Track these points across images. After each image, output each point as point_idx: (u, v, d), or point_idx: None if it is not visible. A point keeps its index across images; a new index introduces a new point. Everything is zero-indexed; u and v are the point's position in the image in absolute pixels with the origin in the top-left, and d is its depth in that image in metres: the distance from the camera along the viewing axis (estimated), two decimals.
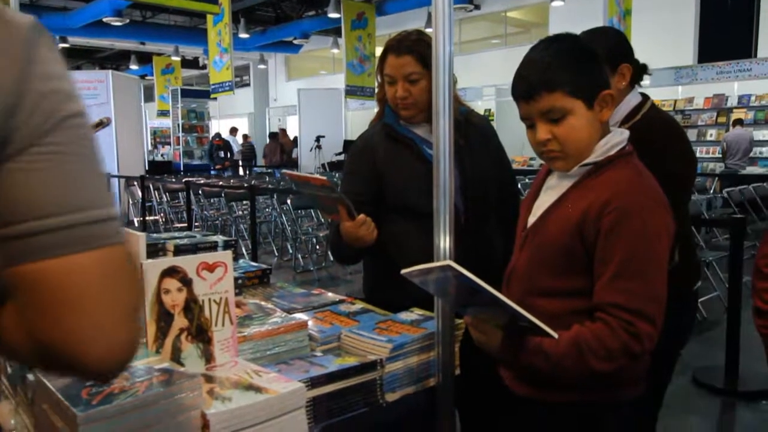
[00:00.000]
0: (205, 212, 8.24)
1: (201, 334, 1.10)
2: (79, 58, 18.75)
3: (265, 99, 20.28)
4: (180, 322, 1.07)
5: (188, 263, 1.08)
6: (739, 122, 9.69)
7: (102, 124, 10.36)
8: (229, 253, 1.15)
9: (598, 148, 1.17)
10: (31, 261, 0.50)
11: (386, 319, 1.37)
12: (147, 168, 12.58)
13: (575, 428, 1.21)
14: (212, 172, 12.91)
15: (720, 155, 9.87)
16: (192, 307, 1.09)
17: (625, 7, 7.39)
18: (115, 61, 19.05)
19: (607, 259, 1.09)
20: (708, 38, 10.68)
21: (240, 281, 1.53)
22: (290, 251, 6.78)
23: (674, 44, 10.53)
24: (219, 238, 1.85)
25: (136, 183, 10.04)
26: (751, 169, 9.23)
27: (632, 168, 1.17)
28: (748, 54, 10.16)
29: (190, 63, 18.31)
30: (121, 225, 0.56)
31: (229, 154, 14.02)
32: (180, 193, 8.77)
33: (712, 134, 10.86)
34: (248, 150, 15.81)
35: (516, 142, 7.74)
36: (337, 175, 8.80)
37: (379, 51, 1.80)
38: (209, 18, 10.33)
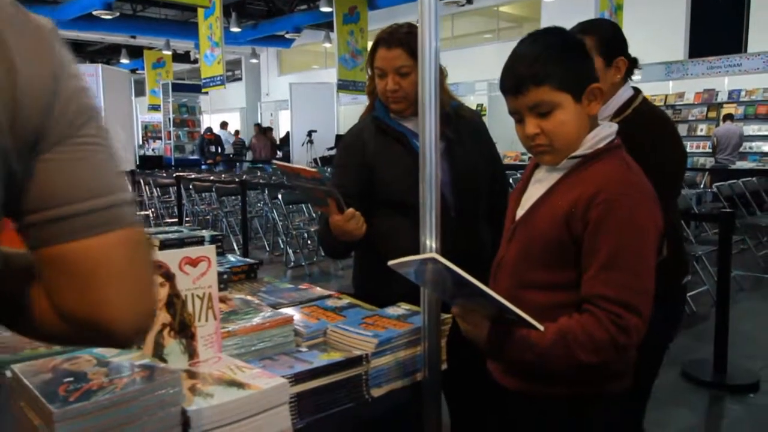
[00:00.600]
0: (196, 207, 8.20)
1: (184, 329, 1.08)
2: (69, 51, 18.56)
3: (257, 93, 20.19)
4: (162, 317, 1.06)
5: (170, 258, 1.07)
6: (729, 117, 9.73)
7: None
8: (212, 248, 1.13)
9: (587, 141, 1.17)
10: (66, 242, 0.55)
11: (373, 314, 1.36)
12: (138, 163, 12.51)
13: (562, 421, 1.21)
14: (203, 167, 12.85)
15: (710, 150, 9.92)
16: (174, 302, 1.07)
17: (617, 2, 7.40)
18: (106, 54, 18.88)
19: (595, 251, 1.09)
20: (699, 33, 10.72)
21: (225, 276, 1.52)
22: (282, 246, 6.77)
23: (665, 39, 10.56)
24: (206, 233, 1.84)
25: (126, 178, 9.96)
26: (741, 164, 9.27)
27: (620, 161, 1.16)
28: (738, 49, 10.21)
29: (181, 57, 18.17)
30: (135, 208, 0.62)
31: (220, 149, 13.95)
32: (171, 188, 8.72)
33: (702, 129, 10.91)
34: (239, 145, 15.77)
35: (508, 136, 7.69)
36: (329, 170, 8.78)
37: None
38: (200, 11, 10.25)
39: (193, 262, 1.09)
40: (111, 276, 0.57)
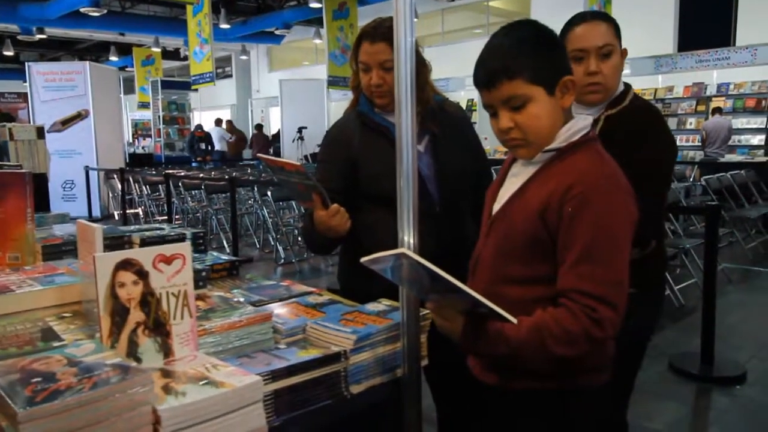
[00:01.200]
0: (186, 205, 8.16)
1: (159, 327, 1.07)
2: (58, 49, 18.44)
3: (247, 90, 20.10)
4: (136, 315, 1.05)
5: (144, 255, 1.05)
6: (718, 110, 9.77)
7: (80, 116, 10.19)
8: (187, 245, 1.12)
9: (561, 134, 1.16)
10: None
11: (353, 311, 1.36)
12: (127, 160, 12.43)
13: (541, 415, 1.21)
14: (193, 164, 12.78)
15: (699, 143, 9.96)
16: (149, 300, 1.06)
17: None
18: (95, 52, 18.74)
19: (570, 244, 1.09)
20: (687, 27, 10.76)
21: (204, 273, 1.51)
22: (272, 243, 6.75)
23: (654, 33, 10.58)
24: (187, 231, 1.82)
25: (115, 176, 9.92)
26: (729, 157, 9.32)
27: (595, 154, 1.16)
28: (727, 43, 10.25)
29: (171, 54, 18.07)
30: None
31: (210, 147, 13.88)
32: (161, 186, 8.68)
33: (691, 122, 10.95)
34: (243, 142, 15.77)
35: None
36: None
37: None
38: (189, 8, 10.19)
39: (168, 260, 1.08)
40: None
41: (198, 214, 8.12)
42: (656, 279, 1.77)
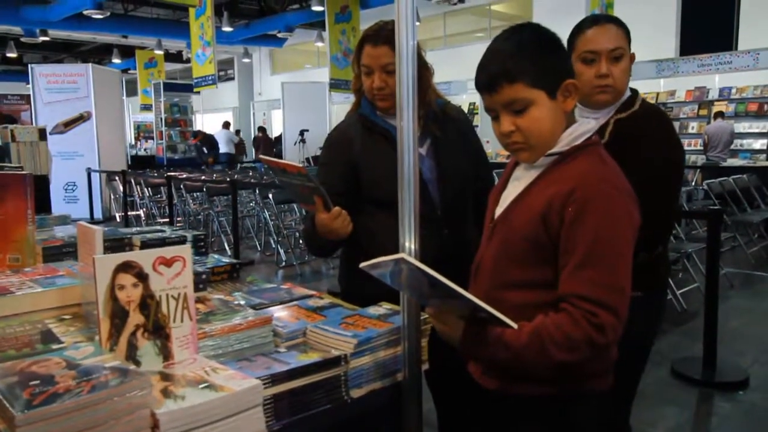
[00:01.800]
0: (187, 207, 8.16)
1: (158, 330, 1.07)
2: (61, 51, 18.48)
3: (249, 93, 20.13)
4: (136, 318, 1.04)
5: (144, 258, 1.05)
6: (720, 114, 9.77)
7: (82, 118, 10.22)
8: (187, 247, 1.12)
9: (564, 138, 1.16)
10: None
11: (353, 314, 1.35)
12: (129, 163, 12.44)
13: (542, 421, 1.20)
14: (203, 168, 12.77)
15: (701, 147, 9.95)
16: (148, 303, 1.06)
17: (608, 0, 7.41)
18: (98, 54, 18.78)
19: (571, 249, 1.08)
20: (689, 31, 10.76)
21: (205, 276, 1.50)
22: (273, 246, 6.74)
23: (656, 37, 10.58)
24: (188, 233, 1.82)
25: (117, 178, 9.93)
26: (731, 161, 9.30)
27: (597, 158, 1.15)
28: (729, 47, 10.25)
29: (173, 57, 18.11)
30: None
31: (213, 150, 13.87)
32: (162, 188, 8.68)
33: (693, 127, 10.94)
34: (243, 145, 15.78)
35: None
36: None
37: None
38: (191, 11, 10.20)
39: (168, 262, 1.07)
40: None
41: (199, 217, 8.12)
42: (660, 283, 1.77)
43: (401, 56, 1.19)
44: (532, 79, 1.11)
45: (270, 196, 6.40)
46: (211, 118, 17.71)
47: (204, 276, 1.49)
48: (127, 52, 17.37)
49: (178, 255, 1.09)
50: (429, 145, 1.78)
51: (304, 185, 1.55)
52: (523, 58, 1.12)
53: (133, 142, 17.96)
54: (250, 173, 9.94)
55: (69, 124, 10.16)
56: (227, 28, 13.73)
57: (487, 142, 6.72)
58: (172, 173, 8.88)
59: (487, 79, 1.14)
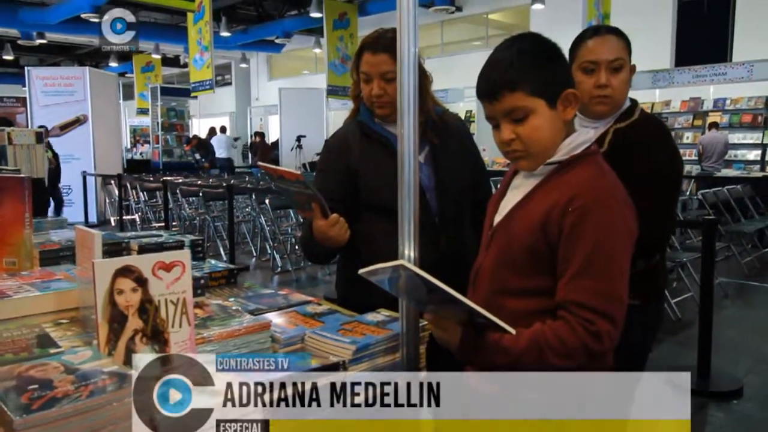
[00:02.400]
0: (183, 211, 8.14)
1: (157, 335, 1.07)
2: (58, 54, 18.46)
3: (246, 98, 20.14)
4: (134, 323, 1.04)
5: (143, 263, 1.05)
6: (714, 125, 9.82)
7: (79, 122, 10.20)
8: (187, 252, 1.12)
9: (563, 147, 1.17)
10: None
11: (352, 321, 1.35)
12: (125, 166, 12.42)
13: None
14: (200, 173, 12.75)
15: (696, 158, 10.00)
16: (147, 307, 1.06)
17: (604, 10, 7.47)
18: (95, 58, 18.77)
19: (569, 257, 1.09)
20: (685, 42, 10.84)
21: (203, 281, 1.50)
22: (269, 251, 6.73)
23: (652, 48, 10.63)
24: (186, 238, 1.82)
25: (113, 182, 9.91)
26: (726, 172, 9.35)
27: (596, 167, 1.16)
28: (723, 58, 10.32)
29: (171, 61, 18.11)
30: None
31: (209, 155, 13.85)
32: (158, 192, 8.66)
33: (688, 137, 11.00)
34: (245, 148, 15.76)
35: None
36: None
37: None
38: (189, 16, 10.22)
39: (167, 267, 1.07)
40: None
41: (195, 221, 8.11)
42: (657, 292, 1.77)
43: (402, 64, 1.20)
44: (532, 87, 1.12)
45: (266, 201, 6.40)
46: (207, 123, 17.68)
47: (202, 281, 1.49)
48: (125, 55, 17.34)
49: (177, 260, 1.09)
50: (427, 153, 1.78)
51: (301, 192, 1.55)
52: (523, 67, 1.13)
53: (129, 146, 17.93)
54: (247, 178, 9.94)
55: (65, 127, 10.14)
56: (225, 33, 13.75)
57: (484, 149, 6.75)
58: (168, 177, 8.86)
59: (488, 87, 1.15)
